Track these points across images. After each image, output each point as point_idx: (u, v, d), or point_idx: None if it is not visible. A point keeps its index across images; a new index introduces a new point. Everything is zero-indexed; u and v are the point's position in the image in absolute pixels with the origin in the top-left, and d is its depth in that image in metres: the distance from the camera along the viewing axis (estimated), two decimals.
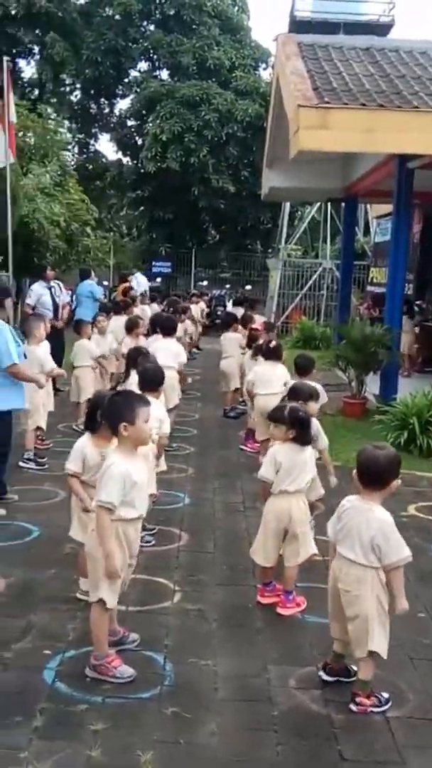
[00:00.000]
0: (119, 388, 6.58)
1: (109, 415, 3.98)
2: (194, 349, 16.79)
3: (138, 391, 5.24)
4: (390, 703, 3.78)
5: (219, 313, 21.10)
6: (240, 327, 11.13)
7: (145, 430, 3.97)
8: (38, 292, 12.05)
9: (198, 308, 19.39)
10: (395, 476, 3.80)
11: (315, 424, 5.36)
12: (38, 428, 8.11)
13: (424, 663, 4.25)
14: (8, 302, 6.49)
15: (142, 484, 3.95)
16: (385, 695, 3.80)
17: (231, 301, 19.92)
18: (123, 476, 3.82)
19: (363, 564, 3.74)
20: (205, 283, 29.40)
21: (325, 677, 3.95)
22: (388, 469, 3.78)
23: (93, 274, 15.20)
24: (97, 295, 13.88)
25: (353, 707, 3.73)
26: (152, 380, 5.76)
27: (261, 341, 9.02)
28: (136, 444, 3.97)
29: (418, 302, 16.82)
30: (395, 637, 4.43)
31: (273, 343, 8.35)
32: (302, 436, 4.90)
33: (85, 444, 4.66)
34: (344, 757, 3.37)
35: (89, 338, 9.89)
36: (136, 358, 6.78)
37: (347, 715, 3.69)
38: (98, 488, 3.85)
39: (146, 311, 14.67)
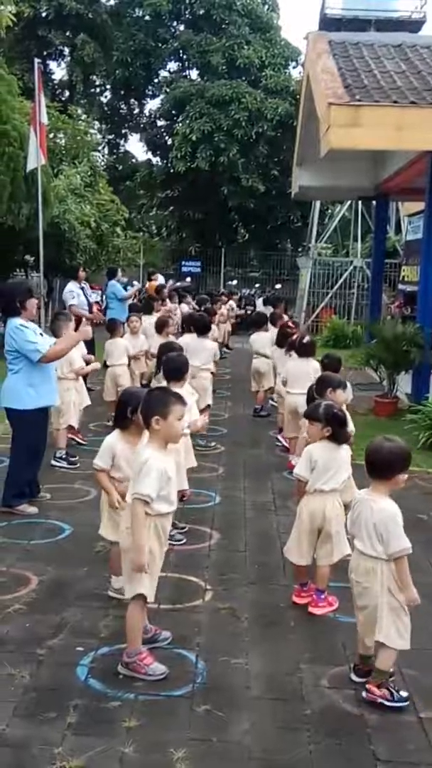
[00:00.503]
0: (153, 384, 6.61)
1: (145, 408, 4.00)
2: (224, 349, 16.81)
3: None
4: (407, 703, 3.73)
5: (249, 312, 21.08)
6: (270, 326, 11.11)
7: (176, 427, 3.98)
8: (75, 292, 12.17)
9: (227, 307, 19.41)
10: (401, 469, 3.79)
11: None
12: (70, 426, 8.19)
13: None
14: (31, 302, 6.50)
15: (173, 478, 3.99)
16: (404, 694, 3.76)
17: (261, 300, 19.88)
18: (160, 471, 3.85)
19: (372, 555, 3.77)
20: (234, 282, 29.42)
21: (355, 678, 3.94)
22: (393, 461, 3.79)
23: (120, 273, 15.22)
24: (119, 296, 13.91)
25: (364, 694, 3.76)
26: (176, 369, 5.77)
27: (295, 337, 8.95)
28: (166, 440, 3.98)
29: None
30: (428, 637, 4.41)
31: (306, 339, 8.26)
32: (338, 433, 4.87)
33: (115, 441, 4.68)
34: (378, 757, 3.35)
35: (122, 337, 9.94)
36: (168, 353, 6.80)
37: (380, 715, 3.66)
38: (135, 481, 3.87)
39: (177, 310, 14.73)
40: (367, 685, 3.77)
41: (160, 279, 21.38)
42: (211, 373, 8.89)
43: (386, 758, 3.35)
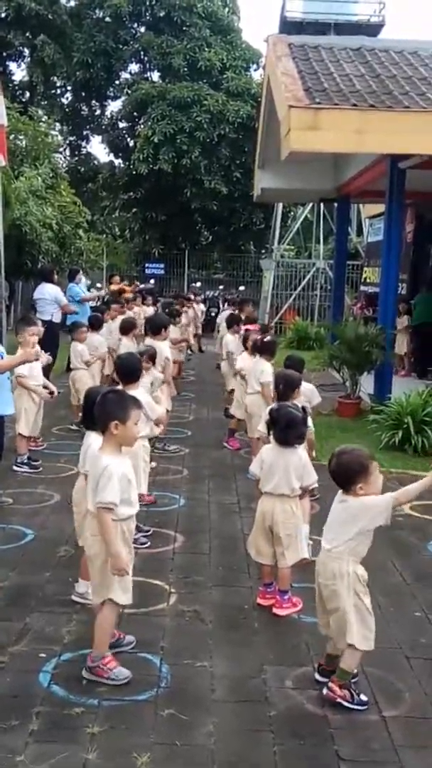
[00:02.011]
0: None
1: (102, 412, 3.96)
2: (188, 351, 16.81)
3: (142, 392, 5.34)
4: (366, 707, 3.73)
5: (213, 314, 21.11)
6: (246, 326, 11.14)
7: (134, 432, 3.99)
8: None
9: (198, 309, 19.42)
10: (361, 475, 3.77)
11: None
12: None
13: (420, 662, 4.24)
14: None
15: (133, 480, 3.98)
16: (364, 698, 3.77)
17: (225, 303, 19.92)
18: (120, 475, 3.84)
19: (337, 553, 3.78)
20: (198, 284, 29.39)
21: (319, 678, 3.96)
22: (348, 472, 3.79)
23: (81, 275, 15.11)
24: (77, 297, 13.83)
25: (324, 691, 3.77)
26: (130, 371, 5.75)
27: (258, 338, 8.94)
28: (122, 444, 3.98)
29: (411, 302, 16.85)
30: (392, 636, 4.46)
31: (267, 338, 8.25)
32: (282, 436, 4.84)
33: (94, 442, 4.60)
34: (341, 756, 3.37)
35: (83, 341, 9.88)
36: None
37: (344, 715, 3.68)
38: (96, 489, 3.83)
39: (141, 312, 14.70)
40: (329, 684, 3.79)
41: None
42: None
43: (350, 758, 3.37)
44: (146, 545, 5.81)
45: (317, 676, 3.98)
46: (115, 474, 3.82)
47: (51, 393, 8.07)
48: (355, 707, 3.73)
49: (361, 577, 3.79)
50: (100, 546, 3.90)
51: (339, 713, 3.70)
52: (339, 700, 3.73)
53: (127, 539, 3.95)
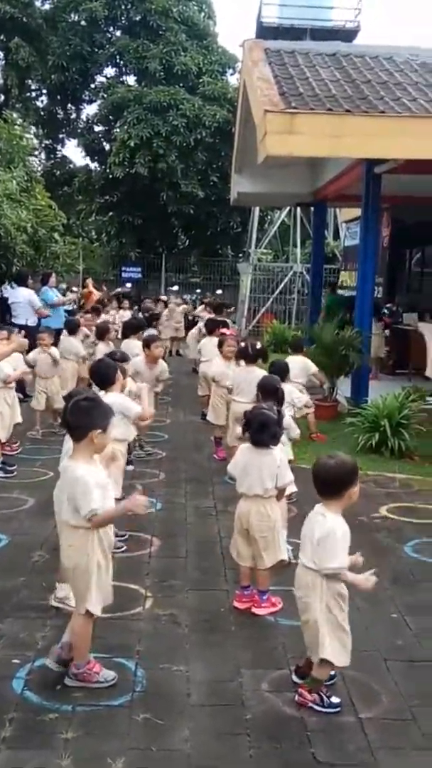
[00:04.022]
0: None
1: (81, 421, 3.85)
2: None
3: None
4: (338, 709, 3.71)
5: (190, 318, 21.09)
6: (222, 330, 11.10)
7: (108, 439, 3.99)
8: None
9: (180, 312, 19.43)
10: (349, 485, 3.75)
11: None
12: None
13: (397, 664, 4.25)
14: None
15: (107, 486, 3.94)
16: (335, 700, 3.75)
17: (201, 307, 19.91)
18: (96, 484, 3.80)
19: (311, 568, 3.75)
20: (175, 288, 29.37)
21: (296, 679, 3.94)
22: (339, 479, 3.75)
23: (54, 278, 14.98)
24: (49, 302, 13.73)
25: (296, 697, 3.76)
26: (104, 377, 5.73)
27: (244, 344, 8.74)
28: (97, 451, 3.95)
29: (387, 305, 16.96)
30: (369, 638, 4.46)
31: (258, 345, 8.11)
32: (256, 437, 4.83)
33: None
34: (318, 759, 3.35)
35: (47, 346, 9.76)
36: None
37: (321, 718, 3.67)
38: (76, 504, 3.77)
39: (117, 316, 14.68)
40: (299, 689, 3.78)
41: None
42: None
43: (326, 760, 3.35)
44: (123, 549, 5.76)
45: (294, 678, 3.96)
46: (92, 483, 3.78)
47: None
48: (327, 710, 3.71)
49: (335, 591, 3.73)
50: (77, 557, 3.85)
51: (315, 716, 3.68)
52: (310, 704, 3.72)
53: (104, 548, 3.90)
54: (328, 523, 3.72)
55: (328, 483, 3.77)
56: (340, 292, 21.25)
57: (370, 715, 3.72)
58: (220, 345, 8.97)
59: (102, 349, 9.95)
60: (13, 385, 8.04)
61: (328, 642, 3.70)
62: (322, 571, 3.70)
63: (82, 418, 3.86)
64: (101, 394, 5.39)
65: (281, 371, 6.92)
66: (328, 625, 3.72)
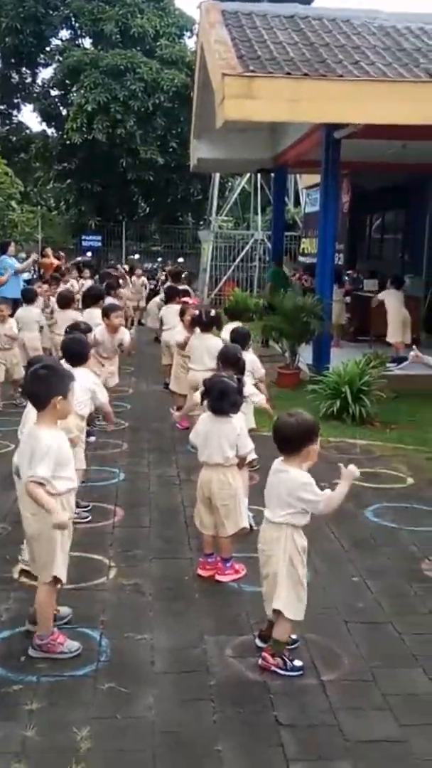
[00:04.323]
0: None
1: (42, 388, 3.85)
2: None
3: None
4: (301, 672, 3.78)
5: (152, 287, 20.94)
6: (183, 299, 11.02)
7: (71, 405, 3.99)
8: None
9: (140, 282, 19.27)
10: (307, 442, 3.80)
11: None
12: None
13: (358, 626, 4.32)
14: None
15: (70, 453, 3.95)
16: (298, 663, 3.81)
17: (164, 274, 19.78)
18: (57, 451, 3.78)
19: (277, 522, 3.81)
20: (136, 256, 29.12)
21: (259, 643, 3.99)
22: (297, 436, 3.80)
23: (13, 247, 14.72)
24: (11, 269, 13.49)
25: (259, 662, 3.82)
26: (75, 353, 5.70)
27: (198, 312, 8.69)
28: (61, 417, 3.94)
29: (348, 272, 17.00)
30: (330, 601, 4.53)
31: (212, 313, 8.09)
32: (216, 405, 4.84)
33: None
34: (280, 722, 3.41)
35: (5, 318, 9.62)
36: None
37: (283, 681, 3.73)
38: (32, 463, 3.76)
39: (77, 286, 14.51)
40: (263, 653, 3.83)
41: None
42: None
43: (288, 722, 3.41)
44: (87, 519, 5.76)
45: (258, 642, 4.01)
46: (54, 450, 3.76)
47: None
48: (289, 674, 3.77)
49: (299, 545, 3.82)
50: (40, 525, 3.84)
51: (278, 680, 3.74)
52: (273, 668, 3.78)
53: (70, 512, 3.93)
54: (291, 474, 3.79)
55: (287, 439, 3.82)
56: (301, 259, 21.28)
57: (332, 677, 3.78)
58: (182, 313, 8.93)
59: (64, 318, 9.85)
60: None
61: (284, 594, 3.77)
62: (318, 510, 3.75)
63: (42, 386, 3.86)
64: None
65: (243, 339, 6.90)
66: (288, 578, 3.78)
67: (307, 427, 3.83)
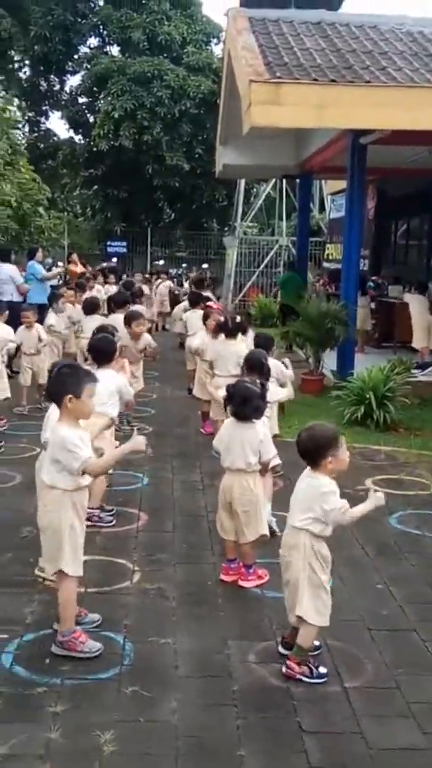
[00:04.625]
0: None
1: (55, 386, 3.97)
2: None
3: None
4: (325, 679, 3.76)
5: (176, 292, 21.02)
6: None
7: (88, 405, 3.98)
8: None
9: (165, 287, 19.36)
10: (326, 453, 3.77)
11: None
12: None
13: (382, 633, 4.30)
14: None
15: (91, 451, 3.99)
16: (323, 670, 3.80)
17: (188, 281, 19.86)
18: (78, 438, 3.85)
19: (296, 527, 3.81)
20: (161, 262, 29.23)
21: (282, 650, 3.98)
22: (315, 449, 3.80)
23: (41, 253, 14.87)
24: (38, 276, 13.64)
25: (283, 669, 3.80)
26: (102, 351, 5.75)
27: (223, 318, 8.66)
28: (78, 417, 3.98)
29: (373, 278, 16.95)
30: (354, 608, 4.52)
31: (237, 318, 8.07)
32: (238, 411, 4.85)
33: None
34: (304, 728, 3.40)
35: (32, 324, 9.69)
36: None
37: (306, 688, 3.72)
38: (65, 464, 3.84)
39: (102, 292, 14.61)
40: (287, 661, 3.82)
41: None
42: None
43: (312, 729, 3.40)
44: (112, 523, 5.80)
45: (280, 649, 4.00)
46: (74, 437, 3.84)
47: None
48: (315, 681, 3.76)
49: (318, 552, 3.80)
50: (51, 517, 3.94)
51: (301, 686, 3.73)
52: (298, 676, 3.76)
53: (78, 511, 3.94)
54: (315, 481, 3.81)
55: (306, 452, 3.84)
56: (326, 265, 21.25)
57: (355, 684, 3.77)
58: (206, 318, 8.95)
59: (90, 323, 9.92)
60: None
61: (306, 600, 3.76)
62: (331, 519, 3.73)
63: (56, 384, 3.98)
64: (95, 369, 5.41)
65: (266, 344, 6.90)
66: (309, 584, 3.77)
67: (324, 439, 3.82)
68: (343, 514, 3.75)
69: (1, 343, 8.16)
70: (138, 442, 4.06)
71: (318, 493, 3.77)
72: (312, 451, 3.81)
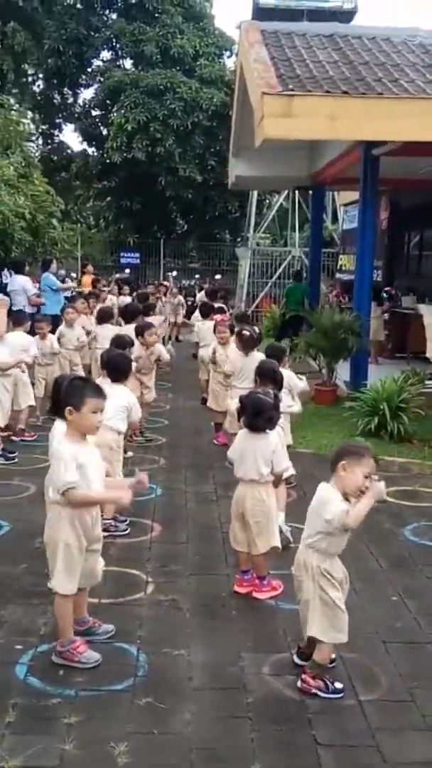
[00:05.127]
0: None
1: (58, 398, 3.99)
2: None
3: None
4: (342, 695, 3.74)
5: (189, 303, 21.04)
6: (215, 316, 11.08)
7: (89, 420, 3.93)
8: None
9: (176, 300, 19.40)
10: (343, 458, 3.76)
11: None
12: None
13: (396, 646, 4.28)
14: None
15: (93, 467, 3.94)
16: (339, 685, 3.77)
17: (202, 292, 19.86)
18: (69, 458, 3.83)
19: (306, 544, 3.81)
20: (174, 273, 29.30)
21: (298, 661, 3.97)
22: (336, 452, 3.87)
23: (55, 265, 15.00)
24: (53, 287, 13.76)
25: (299, 684, 3.78)
26: (117, 368, 5.79)
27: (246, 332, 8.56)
28: (81, 431, 3.96)
29: (386, 289, 16.91)
30: (369, 621, 4.50)
31: (245, 332, 8.06)
32: (251, 422, 4.85)
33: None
34: (319, 741, 3.39)
35: (45, 335, 9.71)
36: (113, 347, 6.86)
37: (321, 700, 3.70)
38: (54, 476, 3.85)
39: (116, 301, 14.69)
40: (303, 675, 3.80)
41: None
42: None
43: (327, 742, 3.38)
44: (127, 532, 5.82)
45: (295, 659, 3.99)
46: (66, 455, 3.82)
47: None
48: (331, 696, 3.73)
49: (326, 571, 3.76)
50: (50, 533, 3.96)
51: (316, 699, 3.71)
52: (314, 690, 3.74)
53: (77, 529, 3.91)
54: (319, 493, 3.82)
55: (332, 456, 3.87)
56: (338, 275, 21.24)
57: (370, 698, 3.75)
58: (215, 329, 9.00)
59: (103, 333, 9.97)
60: (13, 372, 8.05)
61: (318, 620, 3.74)
62: (334, 526, 3.68)
63: (58, 395, 3.99)
64: (108, 384, 5.46)
65: (277, 354, 6.91)
66: (321, 603, 3.75)
67: (348, 446, 3.92)
68: (346, 515, 3.67)
69: (19, 353, 8.20)
70: (122, 497, 4.00)
71: (319, 503, 3.76)
72: (333, 456, 3.84)
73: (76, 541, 3.91)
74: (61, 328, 10.52)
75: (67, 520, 3.88)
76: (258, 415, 4.82)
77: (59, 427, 4.21)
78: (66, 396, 3.91)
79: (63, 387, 3.98)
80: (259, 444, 4.84)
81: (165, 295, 18.41)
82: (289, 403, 5.99)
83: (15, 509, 6.35)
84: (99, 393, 4.01)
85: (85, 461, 3.88)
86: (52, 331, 10.03)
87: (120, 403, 5.73)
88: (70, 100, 34.37)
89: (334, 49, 11.41)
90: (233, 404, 5.93)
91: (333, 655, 3.96)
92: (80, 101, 33.88)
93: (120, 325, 10.31)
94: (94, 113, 32.49)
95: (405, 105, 9.62)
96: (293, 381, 6.94)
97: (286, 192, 25.49)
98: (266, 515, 4.83)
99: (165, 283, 20.80)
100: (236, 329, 8.46)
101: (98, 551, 4.12)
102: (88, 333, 10.78)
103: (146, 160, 27.46)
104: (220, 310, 11.53)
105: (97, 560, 4.10)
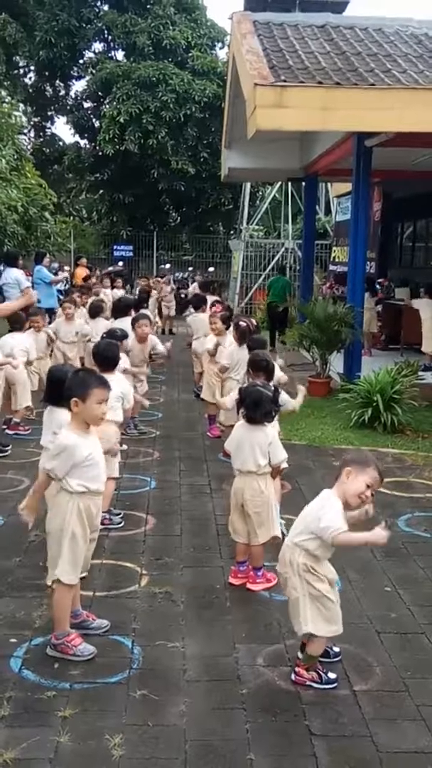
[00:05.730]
0: None
1: (68, 387, 3.99)
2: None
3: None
4: (335, 685, 3.74)
5: (182, 296, 21.03)
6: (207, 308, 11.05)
7: (95, 410, 3.95)
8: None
9: (169, 290, 19.43)
10: (348, 465, 3.75)
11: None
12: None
13: (390, 636, 4.29)
14: None
15: (96, 458, 3.97)
16: (332, 675, 3.78)
17: (194, 284, 19.84)
18: (70, 447, 3.86)
19: (294, 542, 3.77)
20: (167, 266, 29.25)
21: (300, 655, 3.96)
22: (347, 459, 3.83)
23: (48, 258, 14.99)
24: (46, 280, 13.75)
25: (292, 676, 3.79)
26: (106, 357, 5.77)
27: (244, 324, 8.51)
28: (86, 421, 3.98)
29: (380, 280, 16.93)
30: (363, 611, 4.51)
31: (241, 324, 8.01)
32: (250, 414, 4.85)
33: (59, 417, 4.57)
34: (313, 732, 3.40)
35: (40, 328, 9.69)
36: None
37: (316, 691, 3.71)
38: (46, 457, 3.93)
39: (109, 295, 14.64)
40: (296, 668, 3.81)
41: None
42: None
43: (321, 733, 3.39)
44: (121, 525, 5.82)
45: (299, 654, 3.96)
46: (65, 445, 3.87)
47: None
48: (325, 686, 3.74)
49: (311, 567, 3.73)
50: (56, 522, 3.96)
51: (310, 689, 3.72)
52: (308, 682, 3.75)
53: (83, 518, 3.93)
54: (320, 496, 3.81)
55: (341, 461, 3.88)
56: (332, 267, 21.25)
57: (365, 688, 3.76)
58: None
59: (96, 327, 9.96)
60: (5, 369, 8.03)
61: (309, 615, 3.72)
62: (325, 537, 3.63)
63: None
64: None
65: (261, 345, 6.90)
66: (309, 598, 3.73)
67: (355, 455, 3.93)
68: (333, 536, 3.60)
69: (20, 351, 8.20)
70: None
71: (320, 506, 3.74)
72: (340, 463, 3.83)
73: (82, 531, 3.93)
74: (57, 321, 10.51)
75: (75, 510, 3.90)
76: (257, 407, 4.83)
77: (56, 412, 4.22)
78: (71, 388, 3.93)
79: (72, 378, 4.01)
80: (257, 436, 4.85)
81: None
82: (288, 400, 5.97)
83: (9, 503, 6.33)
84: (104, 383, 4.04)
85: (89, 453, 3.92)
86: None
87: (114, 393, 5.70)
88: (62, 92, 34.24)
89: (326, 39, 11.37)
90: (226, 400, 5.96)
91: (337, 649, 3.97)
92: (72, 93, 33.79)
93: (114, 319, 10.26)
94: (86, 105, 32.36)
95: (397, 95, 9.60)
96: (277, 373, 6.94)
97: (279, 184, 25.44)
98: (266, 505, 4.84)
99: (159, 280, 20.76)
100: (233, 321, 8.43)
101: (95, 540, 4.16)
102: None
103: (139, 152, 27.37)
104: (216, 301, 11.49)
105: (91, 549, 4.14)
